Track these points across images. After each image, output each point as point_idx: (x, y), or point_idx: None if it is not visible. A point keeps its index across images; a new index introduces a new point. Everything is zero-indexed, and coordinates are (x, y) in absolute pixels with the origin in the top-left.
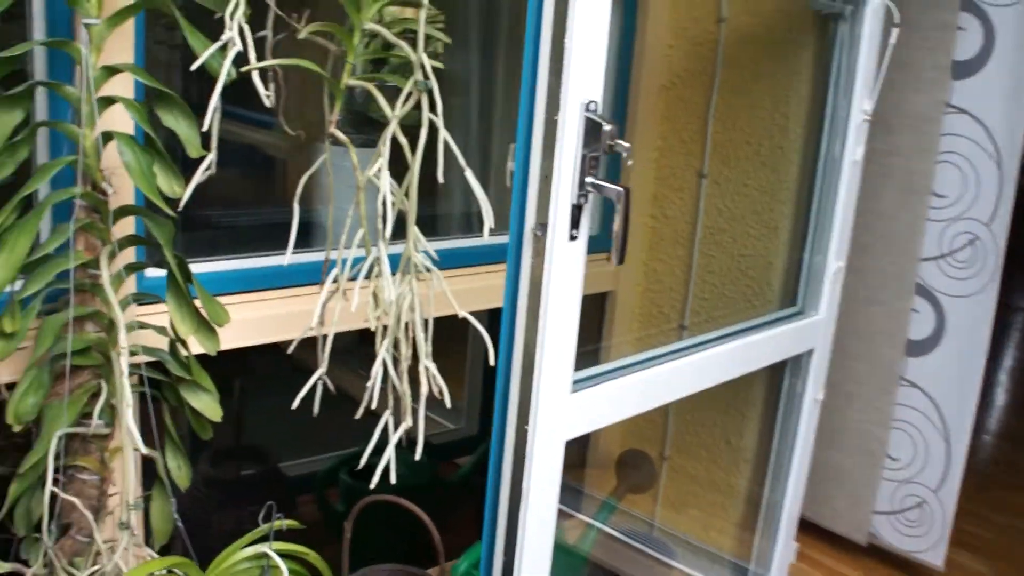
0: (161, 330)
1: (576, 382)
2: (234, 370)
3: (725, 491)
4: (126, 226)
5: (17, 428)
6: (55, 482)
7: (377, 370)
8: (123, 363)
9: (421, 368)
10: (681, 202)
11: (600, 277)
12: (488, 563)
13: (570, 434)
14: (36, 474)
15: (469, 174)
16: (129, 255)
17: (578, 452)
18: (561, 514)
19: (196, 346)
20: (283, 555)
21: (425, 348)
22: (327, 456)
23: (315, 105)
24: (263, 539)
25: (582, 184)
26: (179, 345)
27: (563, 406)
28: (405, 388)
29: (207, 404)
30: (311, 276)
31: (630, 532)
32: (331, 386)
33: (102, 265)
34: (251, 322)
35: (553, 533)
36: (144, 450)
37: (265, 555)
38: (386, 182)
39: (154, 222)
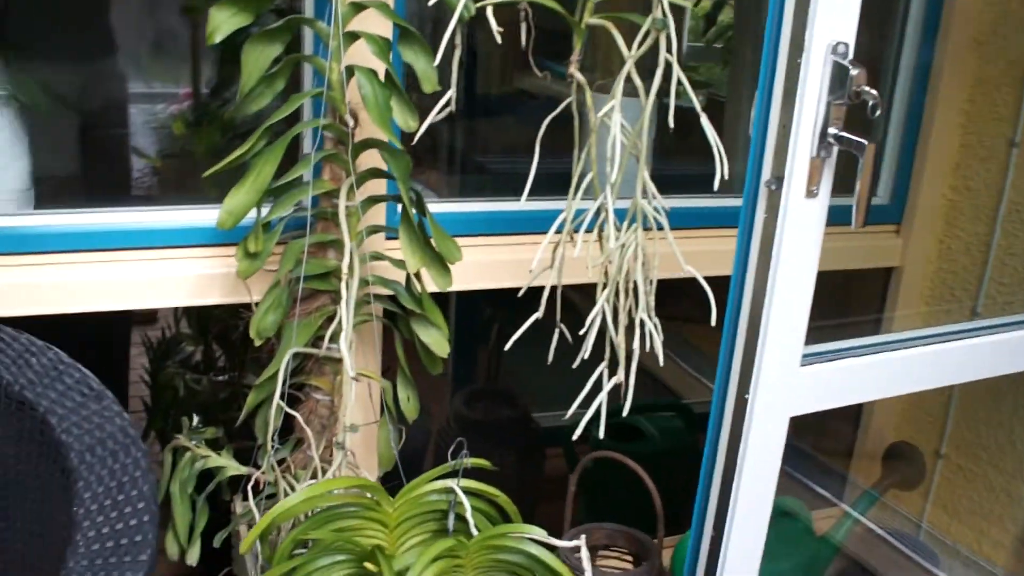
0: (399, 264)
1: (810, 355)
2: (495, 315)
3: (1006, 499)
4: (373, 160)
5: (258, 343)
6: (289, 399)
7: (595, 320)
8: (348, 289)
9: (637, 321)
10: (987, 173)
11: (882, 251)
12: (696, 539)
13: (796, 410)
14: (271, 387)
15: (705, 120)
16: (380, 188)
17: (844, 434)
18: (815, 496)
19: (431, 284)
20: (472, 493)
21: (646, 301)
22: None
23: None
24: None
25: (823, 135)
26: (414, 280)
27: (789, 378)
28: (620, 340)
29: (436, 339)
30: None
31: (892, 530)
32: (567, 334)
33: (341, 194)
34: (489, 265)
35: (768, 515)
36: (352, 372)
37: (452, 490)
38: (617, 123)
39: (391, 156)
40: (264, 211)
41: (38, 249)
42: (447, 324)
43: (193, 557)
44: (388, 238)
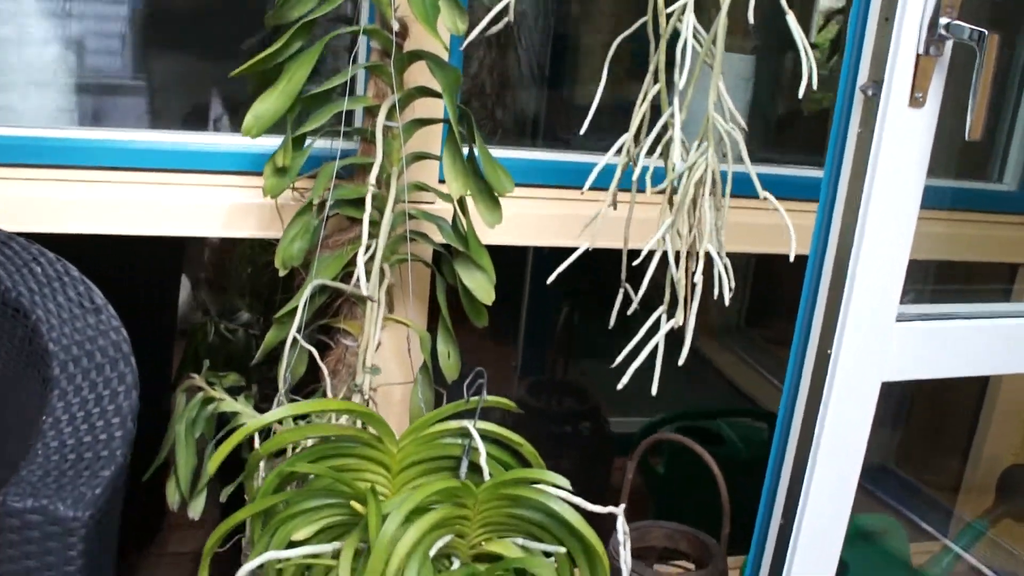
0: (446, 198)
1: (909, 314)
2: (567, 300)
3: None
4: (423, 79)
5: (282, 272)
6: (318, 346)
7: (655, 250)
8: (383, 212)
9: (700, 252)
10: None
11: (1008, 243)
12: (763, 527)
13: (889, 373)
14: (293, 324)
15: (791, 17)
16: (430, 111)
17: (948, 461)
18: (913, 527)
19: (479, 223)
20: (492, 439)
21: (714, 233)
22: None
23: None
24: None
25: (933, 27)
26: (460, 217)
27: (883, 334)
28: (680, 276)
29: (480, 284)
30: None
31: (1004, 570)
32: (632, 294)
33: (380, 111)
34: (546, 219)
35: (849, 504)
36: (371, 294)
37: (468, 432)
38: (689, 25)
39: (439, 67)
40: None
41: (68, 163)
42: (520, 317)
43: (195, 510)
44: (440, 181)
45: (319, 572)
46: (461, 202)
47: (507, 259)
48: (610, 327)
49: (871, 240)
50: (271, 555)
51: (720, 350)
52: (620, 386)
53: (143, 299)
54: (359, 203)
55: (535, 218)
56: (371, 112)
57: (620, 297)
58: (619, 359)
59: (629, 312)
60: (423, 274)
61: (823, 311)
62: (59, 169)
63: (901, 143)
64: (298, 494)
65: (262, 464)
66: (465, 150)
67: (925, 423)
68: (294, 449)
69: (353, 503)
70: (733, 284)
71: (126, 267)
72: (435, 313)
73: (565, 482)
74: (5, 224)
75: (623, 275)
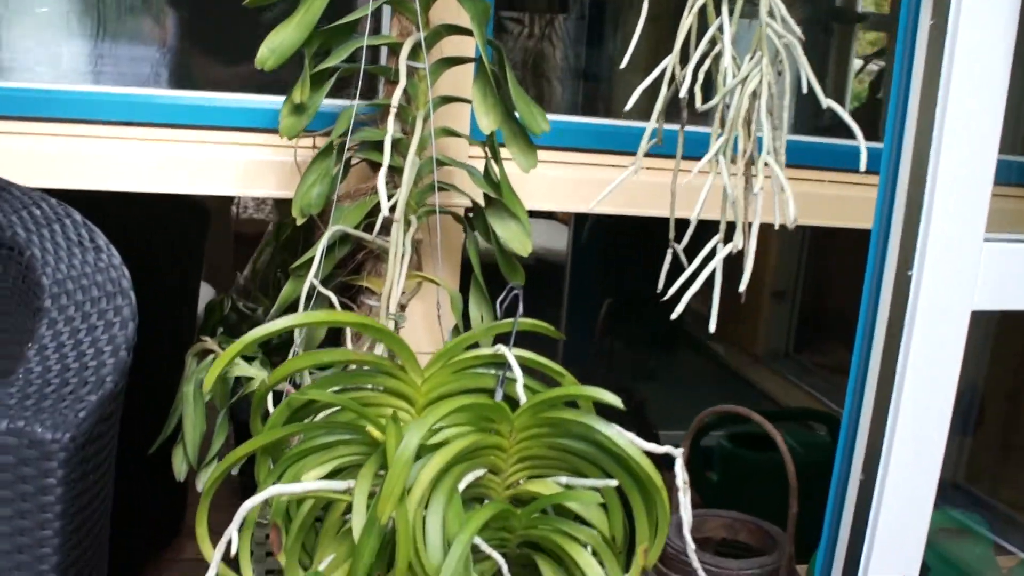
0: (478, 140)
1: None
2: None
3: None
4: (452, 15)
5: (300, 220)
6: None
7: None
8: (408, 159)
9: (760, 165)
10: None
11: None
12: (839, 491)
13: (979, 301)
14: (310, 273)
15: None
16: (460, 50)
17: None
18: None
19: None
20: (530, 369)
21: (772, 145)
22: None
23: None
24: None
25: None
26: (492, 165)
27: (970, 254)
28: (738, 195)
29: (515, 234)
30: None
31: None
32: (682, 256)
33: (403, 48)
34: (582, 184)
35: (939, 460)
36: (398, 223)
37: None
38: None
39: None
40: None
41: (84, 117)
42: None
43: (204, 481)
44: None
45: (334, 518)
46: (493, 145)
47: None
48: (659, 291)
49: (952, 139)
50: (276, 489)
51: (770, 375)
52: (674, 315)
53: (166, 269)
54: (383, 147)
55: (572, 183)
56: (395, 52)
57: (668, 260)
58: (673, 289)
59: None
60: (455, 232)
61: (900, 229)
62: (74, 124)
63: (980, 28)
64: (311, 427)
65: (270, 399)
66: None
67: (995, 433)
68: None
69: (371, 430)
70: (795, 213)
71: (150, 236)
72: (468, 275)
73: (616, 400)
74: (20, 179)
75: (671, 234)
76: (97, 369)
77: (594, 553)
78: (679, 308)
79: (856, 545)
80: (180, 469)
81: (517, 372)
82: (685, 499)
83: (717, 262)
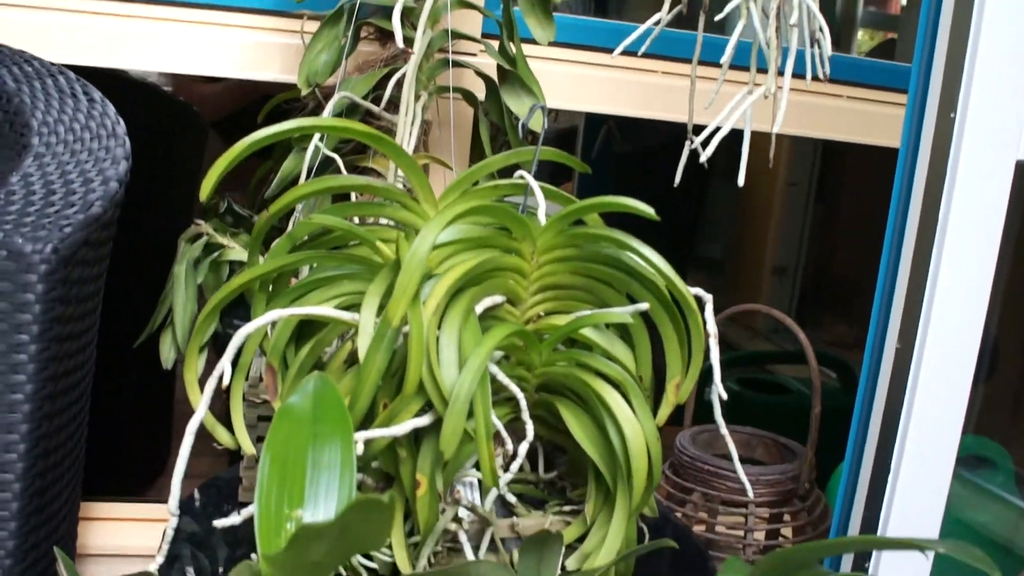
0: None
1: None
2: None
3: None
4: None
5: (305, 90)
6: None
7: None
8: (421, 22)
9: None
10: None
11: None
12: (873, 358)
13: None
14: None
15: None
16: None
17: None
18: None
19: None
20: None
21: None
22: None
23: None
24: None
25: None
26: (507, 43)
27: (1016, 97)
28: (772, 37)
29: (528, 109)
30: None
31: None
32: (702, 150)
33: None
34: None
35: (978, 335)
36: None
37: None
38: None
39: None
40: None
41: None
42: None
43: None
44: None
45: (334, 366)
46: (508, 12)
47: None
48: (675, 185)
49: None
50: (275, 313)
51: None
52: (703, 159)
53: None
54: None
55: (588, 80)
56: None
57: (686, 153)
58: (703, 135)
59: None
60: (465, 117)
61: (943, 66)
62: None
63: None
64: (317, 256)
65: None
66: None
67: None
68: None
69: (380, 245)
70: (830, 50)
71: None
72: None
73: (650, 210)
74: None
75: (689, 126)
76: (84, 195)
77: (621, 394)
78: (709, 150)
79: (886, 448)
80: (168, 356)
81: (539, 197)
82: (714, 347)
83: (747, 106)
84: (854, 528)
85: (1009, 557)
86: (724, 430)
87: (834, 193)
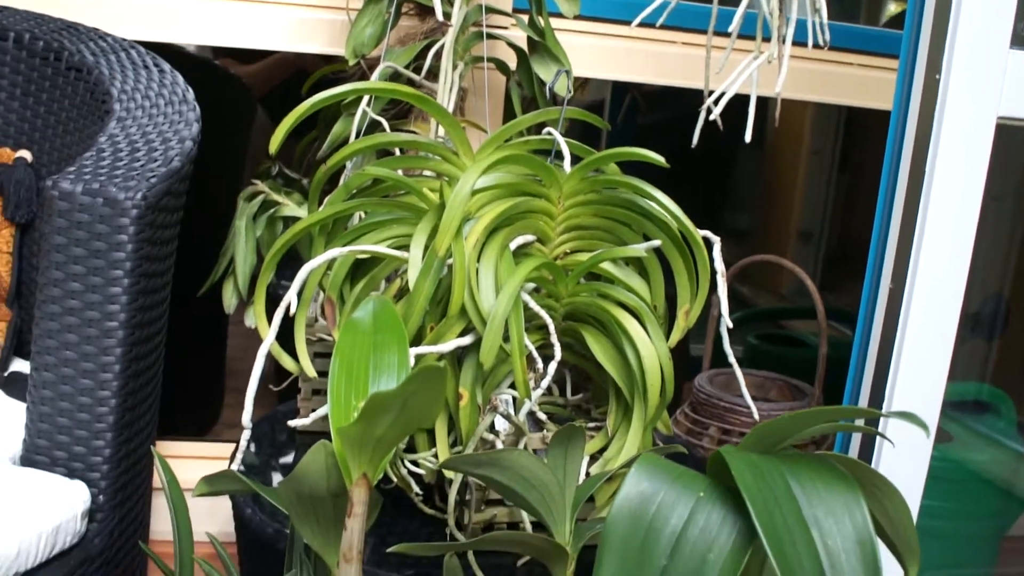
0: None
1: None
2: None
3: None
4: None
5: (352, 61)
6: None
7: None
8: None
9: None
10: None
11: None
12: (870, 296)
13: (1006, 107)
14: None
15: None
16: None
17: None
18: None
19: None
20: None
21: None
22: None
23: None
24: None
25: None
26: (536, 17)
27: (996, 60)
28: (774, 6)
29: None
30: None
31: None
32: (720, 120)
33: None
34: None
35: (964, 273)
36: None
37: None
38: None
39: None
40: None
41: None
42: None
43: (251, 318)
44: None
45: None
46: None
47: None
48: (693, 145)
49: None
50: (336, 251)
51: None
52: (713, 116)
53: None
54: None
55: (612, 50)
56: None
57: (703, 116)
58: (710, 100)
59: None
60: (498, 85)
61: (930, 29)
62: None
63: None
64: (370, 203)
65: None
66: None
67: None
68: None
69: (427, 191)
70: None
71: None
72: None
73: (660, 158)
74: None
75: (706, 92)
76: (165, 151)
77: (638, 320)
78: (717, 111)
79: (882, 372)
80: (230, 302)
81: (565, 150)
82: (722, 284)
83: (752, 68)
84: (854, 447)
85: (1010, 500)
86: (735, 364)
87: (858, 161)
